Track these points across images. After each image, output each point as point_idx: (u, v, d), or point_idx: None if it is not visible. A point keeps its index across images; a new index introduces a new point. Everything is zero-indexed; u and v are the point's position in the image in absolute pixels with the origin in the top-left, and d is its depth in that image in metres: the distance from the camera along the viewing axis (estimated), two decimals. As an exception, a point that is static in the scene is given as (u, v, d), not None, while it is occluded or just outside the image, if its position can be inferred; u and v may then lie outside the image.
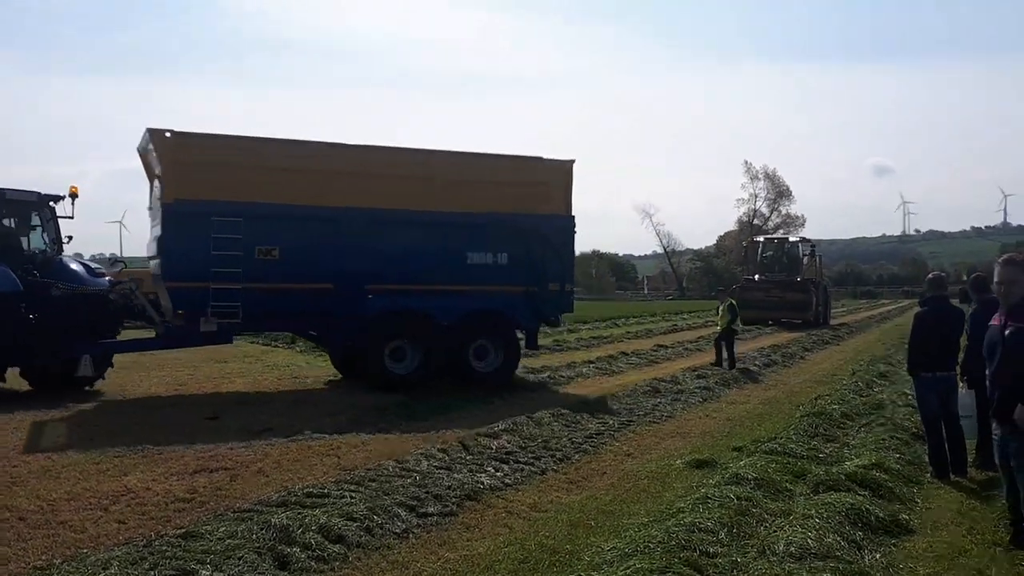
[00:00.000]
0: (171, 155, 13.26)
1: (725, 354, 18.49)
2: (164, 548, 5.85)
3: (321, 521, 6.37)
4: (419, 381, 14.34)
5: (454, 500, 7.31)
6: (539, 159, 15.55)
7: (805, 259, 38.24)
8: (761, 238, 43.87)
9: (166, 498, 7.38)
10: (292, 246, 13.78)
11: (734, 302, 19.36)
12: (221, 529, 6.26)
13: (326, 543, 6.08)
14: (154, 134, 13.33)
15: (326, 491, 7.43)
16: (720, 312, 18.97)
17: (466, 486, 7.73)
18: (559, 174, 15.61)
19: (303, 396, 13.73)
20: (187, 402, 13.11)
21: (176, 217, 13.24)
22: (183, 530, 6.31)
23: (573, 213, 15.70)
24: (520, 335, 15.90)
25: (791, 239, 42.25)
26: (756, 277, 37.12)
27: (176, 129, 13.28)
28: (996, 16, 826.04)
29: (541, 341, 25.16)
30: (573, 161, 15.66)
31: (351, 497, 7.23)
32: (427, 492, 7.45)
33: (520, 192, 15.20)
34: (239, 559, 5.62)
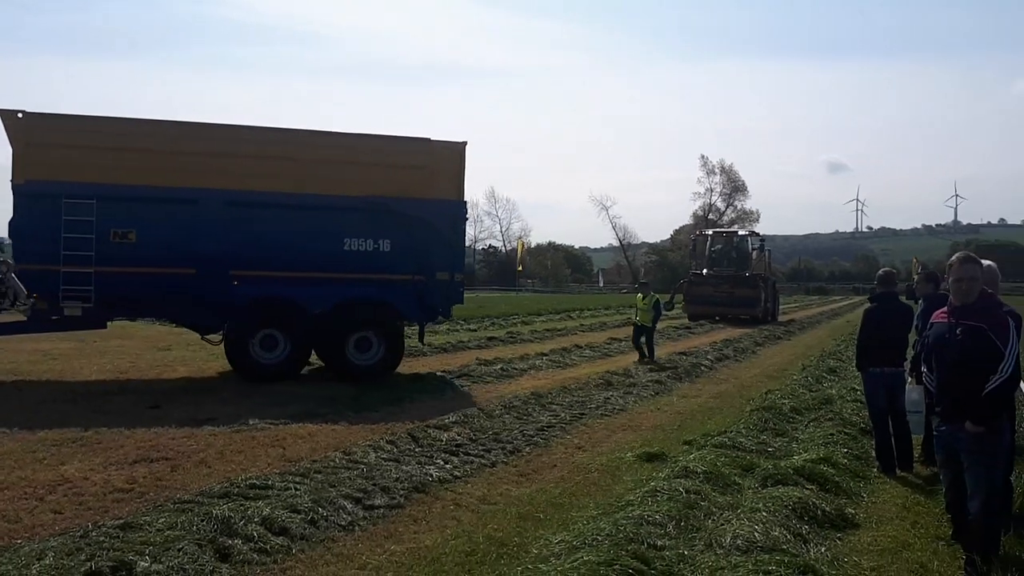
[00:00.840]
0: (22, 136, 13.08)
1: (646, 350, 18.49)
2: (101, 539, 5.73)
3: (264, 513, 6.29)
4: (288, 372, 14.00)
5: (402, 492, 7.26)
6: (426, 140, 14.79)
7: (754, 254, 37.89)
8: (710, 231, 43.07)
9: (104, 488, 7.23)
10: (150, 229, 13.45)
11: (659, 298, 18.92)
12: (160, 520, 6.15)
13: (269, 535, 6.00)
14: (5, 115, 13.12)
15: (270, 482, 7.34)
16: (642, 305, 18.74)
17: (414, 478, 7.69)
18: (449, 157, 14.81)
19: (249, 386, 13.53)
20: (128, 390, 12.85)
21: (26, 198, 13.06)
22: (121, 521, 6.18)
23: (465, 199, 15.01)
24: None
25: (740, 233, 41.98)
26: (704, 271, 36.58)
27: (28, 110, 13.16)
28: (950, 17, 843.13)
29: (496, 333, 25.36)
30: (464, 143, 14.90)
31: (296, 489, 7.15)
32: (374, 484, 7.39)
33: (405, 175, 14.51)
34: (179, 551, 5.52)
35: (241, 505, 6.48)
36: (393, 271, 14.46)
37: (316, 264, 14.10)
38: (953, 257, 5.58)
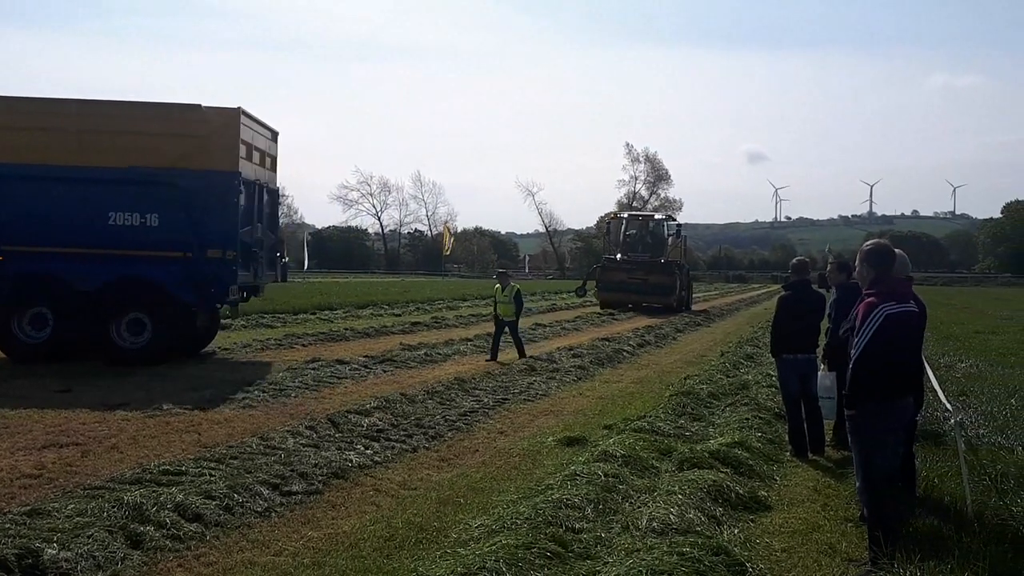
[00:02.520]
0: None
1: (516, 348, 16.44)
2: (7, 526, 5.57)
3: (177, 499, 6.19)
4: (51, 352, 13.61)
5: (320, 478, 7.23)
6: (197, 107, 13.96)
7: (670, 239, 36.64)
8: (625, 214, 40.83)
9: (11, 474, 7.03)
10: None
11: (520, 288, 16.84)
12: (70, 507, 6.01)
13: (182, 522, 5.91)
14: None
15: (184, 468, 7.23)
16: (501, 297, 16.43)
17: (333, 464, 7.66)
18: (221, 125, 13.95)
19: (164, 370, 13.27)
20: (37, 373, 12.47)
21: None
22: (29, 507, 6.03)
23: (239, 169, 13.99)
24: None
25: (656, 217, 40.84)
26: (618, 257, 35.01)
27: None
28: (872, 10, 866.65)
29: (420, 318, 25.36)
30: (239, 110, 14.06)
31: (210, 475, 7.05)
32: (292, 470, 7.34)
33: (175, 145, 13.75)
34: (88, 537, 5.41)
35: (153, 491, 6.36)
36: (162, 248, 13.71)
37: (82, 239, 13.54)
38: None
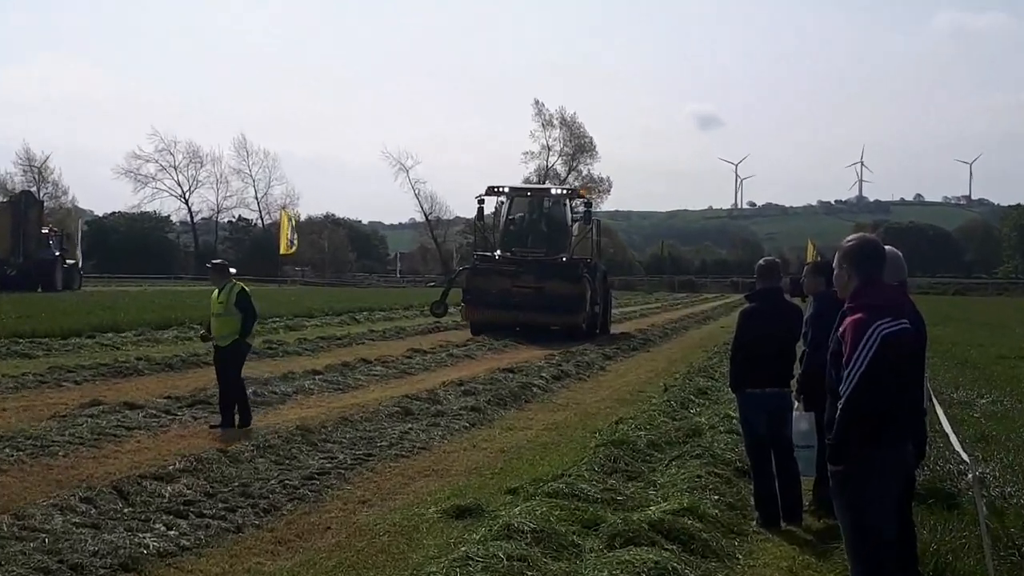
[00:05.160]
0: None
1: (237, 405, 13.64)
2: None
3: None
4: None
5: (103, 572, 7.08)
6: None
7: (576, 227, 33.95)
8: (505, 188, 34.52)
9: None
10: None
11: (246, 289, 13.95)
12: None
13: None
14: None
15: None
16: (217, 306, 13.79)
17: (122, 552, 7.50)
18: None
19: None
20: None
21: None
22: None
23: None
24: None
25: (554, 192, 38.71)
26: (497, 254, 32.49)
27: None
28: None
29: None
30: None
31: (-62, 572, 6.80)
32: (61, 562, 7.15)
33: None
34: None
35: None
36: None
37: None
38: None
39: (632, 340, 30.88)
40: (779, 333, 9.07)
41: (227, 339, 13.69)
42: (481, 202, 34.01)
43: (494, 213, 35.50)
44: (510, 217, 33.89)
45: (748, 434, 9.36)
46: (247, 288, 13.95)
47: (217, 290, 13.87)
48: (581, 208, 33.93)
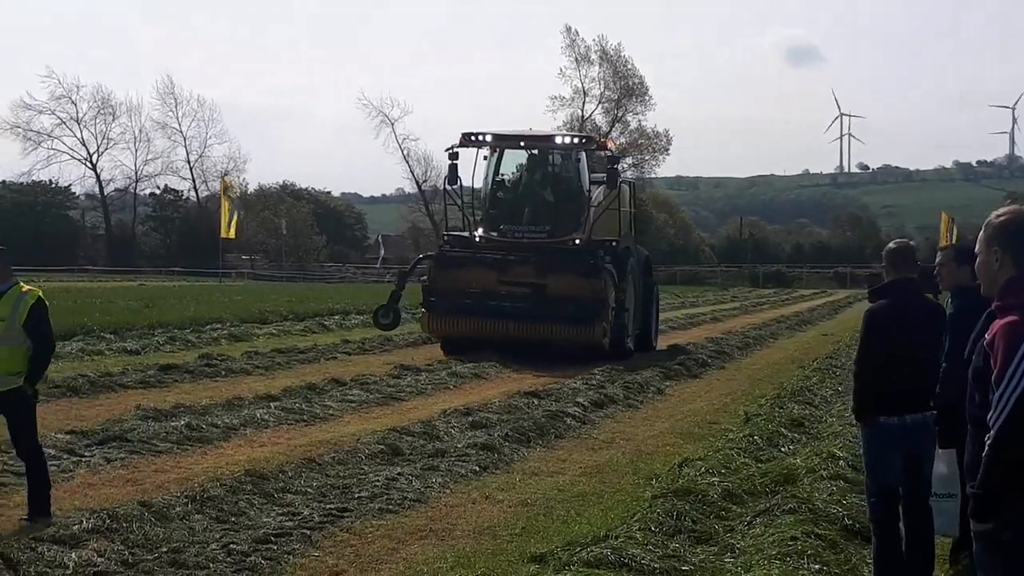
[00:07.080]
0: None
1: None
2: None
3: None
4: None
5: None
6: None
7: (594, 193, 30.54)
8: (488, 137, 30.62)
9: None
10: None
11: (39, 296, 11.29)
12: None
13: None
14: None
15: None
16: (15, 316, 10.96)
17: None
18: None
19: None
20: None
21: None
22: None
23: None
24: None
25: (561, 139, 33.16)
26: (479, 234, 30.01)
27: None
28: None
29: (177, 357, 24.85)
30: None
31: None
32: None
33: None
34: None
35: None
36: None
37: None
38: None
39: (700, 353, 30.18)
40: (917, 341, 8.83)
41: (6, 382, 10.92)
42: (453, 157, 30.61)
43: (451, 173, 31.07)
44: (497, 180, 31.30)
45: (875, 480, 9.09)
46: (45, 299, 11.40)
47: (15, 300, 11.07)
48: (605, 166, 31.09)
